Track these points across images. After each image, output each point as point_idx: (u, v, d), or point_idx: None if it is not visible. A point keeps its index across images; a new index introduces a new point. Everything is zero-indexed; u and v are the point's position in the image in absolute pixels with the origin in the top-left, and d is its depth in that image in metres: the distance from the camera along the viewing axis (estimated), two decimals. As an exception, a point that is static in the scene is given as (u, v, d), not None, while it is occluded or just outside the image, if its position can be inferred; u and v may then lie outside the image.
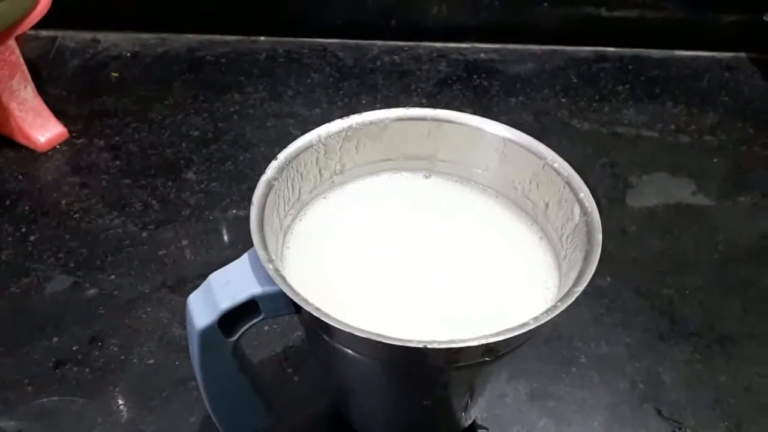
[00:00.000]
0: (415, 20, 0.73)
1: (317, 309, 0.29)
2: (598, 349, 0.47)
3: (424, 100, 0.67)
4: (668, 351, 0.47)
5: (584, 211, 0.33)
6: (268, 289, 0.31)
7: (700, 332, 0.48)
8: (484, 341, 0.27)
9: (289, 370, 0.45)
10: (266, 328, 0.47)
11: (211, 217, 0.55)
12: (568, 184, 0.34)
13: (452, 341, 0.27)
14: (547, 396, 0.44)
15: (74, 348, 0.46)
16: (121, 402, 0.44)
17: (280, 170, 0.35)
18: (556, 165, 0.35)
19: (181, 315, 0.48)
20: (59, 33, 0.72)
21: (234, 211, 0.55)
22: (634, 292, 0.50)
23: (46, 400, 0.44)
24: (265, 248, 0.31)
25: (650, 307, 0.49)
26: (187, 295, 0.49)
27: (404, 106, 0.39)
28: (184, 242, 0.53)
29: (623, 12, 0.72)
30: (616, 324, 0.48)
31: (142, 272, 0.51)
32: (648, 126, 0.65)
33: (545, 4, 0.72)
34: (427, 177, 0.40)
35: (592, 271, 0.30)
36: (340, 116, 0.38)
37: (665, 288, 0.51)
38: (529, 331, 0.28)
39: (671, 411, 0.44)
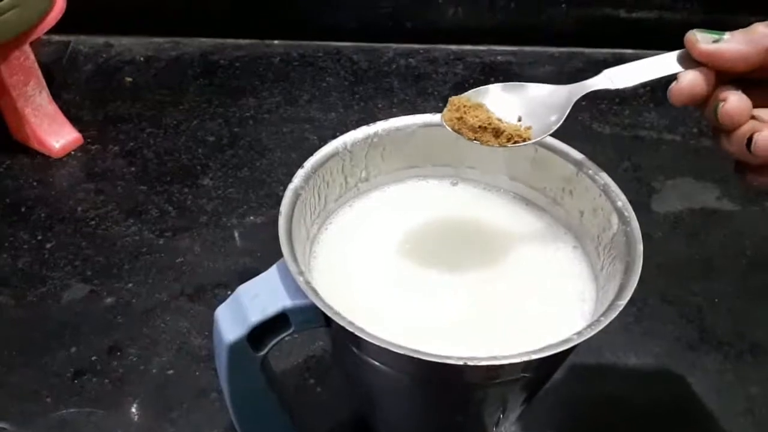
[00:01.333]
0: (431, 22, 0.72)
1: (351, 323, 0.28)
2: (627, 360, 0.46)
3: (441, 104, 0.65)
4: (698, 360, 0.46)
5: (623, 220, 0.32)
6: (299, 302, 0.30)
7: (730, 341, 0.47)
8: (526, 358, 0.26)
9: (311, 381, 0.44)
10: (287, 338, 0.46)
11: (228, 224, 0.54)
12: (604, 192, 0.34)
13: (493, 358, 0.26)
14: (574, 407, 0.43)
15: (93, 358, 0.45)
16: (140, 413, 0.43)
17: (307, 179, 0.35)
18: (591, 172, 0.34)
19: (200, 324, 0.48)
20: (72, 38, 0.71)
21: (251, 218, 0.54)
22: (661, 300, 0.49)
23: (64, 411, 0.43)
24: (295, 260, 0.30)
25: (678, 315, 0.48)
26: (205, 304, 0.49)
27: (421, 110, 0.38)
28: (202, 249, 0.52)
29: (642, 13, 0.71)
30: (644, 333, 0.47)
31: (159, 280, 0.50)
32: (670, 129, 0.63)
33: (563, 5, 0.71)
34: (454, 184, 0.39)
35: (635, 283, 0.29)
36: (357, 120, 0.37)
37: (693, 295, 0.50)
38: (573, 346, 0.27)
39: (702, 421, 0.43)
